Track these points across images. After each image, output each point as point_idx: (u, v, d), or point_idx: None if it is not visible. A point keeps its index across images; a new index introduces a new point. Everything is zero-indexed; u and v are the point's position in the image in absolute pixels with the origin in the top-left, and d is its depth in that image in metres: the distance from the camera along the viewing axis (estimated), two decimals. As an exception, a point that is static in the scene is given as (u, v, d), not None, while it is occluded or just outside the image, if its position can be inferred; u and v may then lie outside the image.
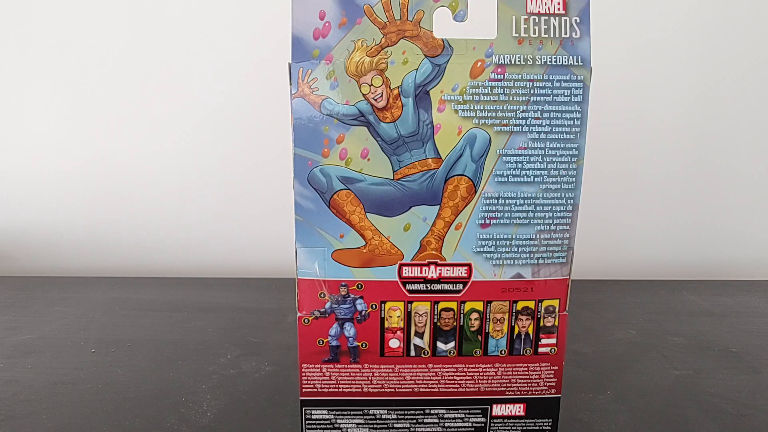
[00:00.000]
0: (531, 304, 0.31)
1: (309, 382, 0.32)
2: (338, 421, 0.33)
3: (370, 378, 0.32)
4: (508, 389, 0.32)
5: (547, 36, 0.28)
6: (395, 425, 0.33)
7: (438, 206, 0.29)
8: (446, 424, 0.33)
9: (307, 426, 0.33)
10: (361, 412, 0.33)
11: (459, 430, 0.33)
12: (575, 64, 0.28)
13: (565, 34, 0.28)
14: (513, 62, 0.28)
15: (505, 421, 0.33)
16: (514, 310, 0.31)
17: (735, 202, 0.68)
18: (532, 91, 0.28)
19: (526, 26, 0.28)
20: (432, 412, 0.33)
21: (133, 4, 0.62)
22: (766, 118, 0.66)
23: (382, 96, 0.28)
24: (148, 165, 0.67)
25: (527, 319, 0.31)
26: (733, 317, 0.55)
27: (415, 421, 0.33)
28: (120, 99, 0.65)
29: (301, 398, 0.32)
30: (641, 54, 0.64)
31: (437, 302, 0.31)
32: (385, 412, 0.33)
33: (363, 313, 0.31)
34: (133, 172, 0.67)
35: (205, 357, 0.46)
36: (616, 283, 0.64)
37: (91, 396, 0.40)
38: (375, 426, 0.33)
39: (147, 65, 0.64)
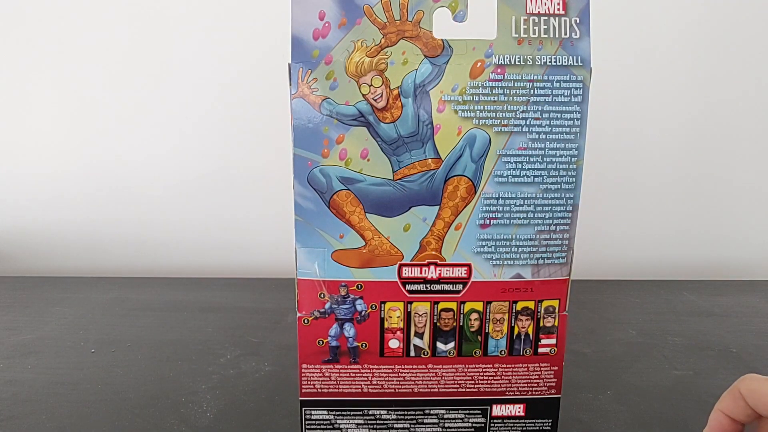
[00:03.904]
0: (531, 305, 0.31)
1: (309, 383, 0.32)
2: (338, 421, 0.33)
3: (369, 378, 0.32)
4: (508, 389, 0.32)
5: (546, 36, 0.28)
6: (395, 425, 0.33)
7: (438, 206, 0.29)
8: (446, 425, 0.33)
9: (307, 426, 0.33)
10: (360, 413, 0.33)
11: (459, 430, 0.33)
12: (575, 64, 0.28)
13: (565, 34, 0.28)
14: (513, 62, 0.28)
15: (505, 421, 0.33)
16: (513, 311, 0.31)
17: (735, 203, 0.68)
18: (531, 92, 0.28)
19: (525, 26, 0.28)
20: (432, 412, 0.33)
21: (133, 6, 0.62)
22: (766, 119, 0.66)
23: (381, 96, 0.28)
24: (148, 165, 0.67)
25: (527, 320, 0.31)
26: (733, 317, 0.55)
27: (415, 421, 0.33)
28: (120, 100, 0.65)
29: (300, 398, 0.32)
30: (641, 54, 0.64)
31: (437, 302, 0.31)
32: (385, 412, 0.33)
33: (363, 313, 0.31)
34: (133, 172, 0.67)
35: (205, 357, 0.46)
36: (616, 283, 0.64)
37: (91, 396, 0.40)
38: (375, 426, 0.33)
39: (147, 66, 0.64)
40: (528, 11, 0.28)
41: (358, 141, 0.29)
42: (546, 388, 0.33)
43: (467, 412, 0.33)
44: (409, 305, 0.31)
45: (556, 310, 0.31)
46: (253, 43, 0.63)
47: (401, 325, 0.31)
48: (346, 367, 0.32)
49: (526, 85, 0.28)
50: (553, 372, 0.32)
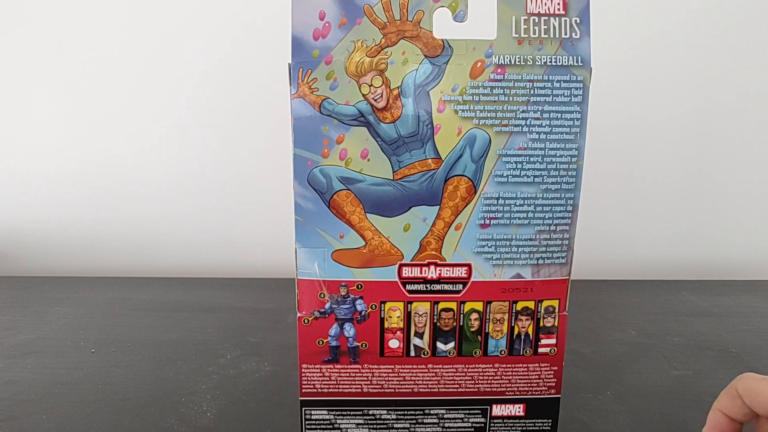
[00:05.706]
0: (531, 305, 0.31)
1: (309, 383, 0.32)
2: (338, 421, 0.33)
3: (369, 378, 0.32)
4: (508, 389, 0.32)
5: (547, 36, 0.28)
6: (395, 425, 0.33)
7: (438, 206, 0.29)
8: (446, 425, 0.33)
9: (307, 426, 0.33)
10: (360, 413, 0.33)
11: (459, 430, 0.33)
12: (575, 64, 0.28)
13: (565, 34, 0.28)
14: (513, 63, 0.28)
15: (505, 421, 0.33)
16: (513, 311, 0.31)
17: (735, 202, 0.68)
18: (531, 92, 0.28)
19: (526, 27, 0.28)
20: (432, 412, 0.33)
21: (132, 5, 0.62)
22: (766, 119, 0.66)
23: (381, 96, 0.28)
24: (148, 165, 0.67)
25: (527, 320, 0.31)
26: (733, 317, 0.55)
27: (414, 421, 0.33)
28: (120, 99, 0.65)
29: (300, 398, 0.32)
30: (641, 54, 0.64)
31: (437, 302, 0.31)
32: (385, 412, 0.33)
33: (363, 313, 0.31)
34: (133, 172, 0.67)
35: (205, 357, 0.46)
36: (616, 283, 0.64)
37: (90, 396, 0.40)
38: (375, 426, 0.33)
39: (147, 65, 0.64)
40: (528, 11, 0.28)
41: (358, 141, 0.29)
42: (546, 388, 0.33)
43: (467, 412, 0.33)
44: (409, 305, 0.31)
45: (556, 310, 0.31)
46: (253, 42, 0.63)
47: (401, 325, 0.31)
48: (346, 367, 0.32)
49: (526, 85, 0.28)
50: (552, 372, 0.32)
